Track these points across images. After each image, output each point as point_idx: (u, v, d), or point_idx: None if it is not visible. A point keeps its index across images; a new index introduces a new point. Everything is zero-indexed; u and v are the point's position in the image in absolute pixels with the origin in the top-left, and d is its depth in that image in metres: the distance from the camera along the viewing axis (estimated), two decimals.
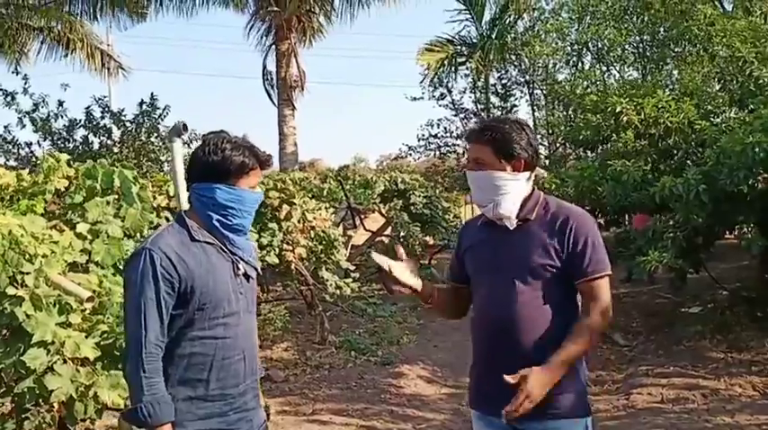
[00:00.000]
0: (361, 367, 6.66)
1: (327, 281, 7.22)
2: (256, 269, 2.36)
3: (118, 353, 3.29)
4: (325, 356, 6.90)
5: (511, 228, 2.31)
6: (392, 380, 6.25)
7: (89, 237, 4.13)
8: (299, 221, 6.74)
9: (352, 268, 7.73)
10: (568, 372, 2.25)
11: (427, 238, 12.45)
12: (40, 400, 3.25)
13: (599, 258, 2.27)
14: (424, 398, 5.84)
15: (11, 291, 3.09)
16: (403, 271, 2.37)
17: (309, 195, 7.40)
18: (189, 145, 14.31)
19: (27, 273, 3.20)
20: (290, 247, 6.63)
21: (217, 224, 2.20)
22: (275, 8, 15.23)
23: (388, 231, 12.50)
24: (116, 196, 4.46)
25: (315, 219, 6.91)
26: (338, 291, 7.31)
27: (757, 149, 5.59)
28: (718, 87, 9.68)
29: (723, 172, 6.03)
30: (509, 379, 2.12)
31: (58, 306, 3.24)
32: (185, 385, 2.14)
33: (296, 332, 7.94)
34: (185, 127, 4.60)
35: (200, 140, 2.30)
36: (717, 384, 5.85)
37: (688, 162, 7.50)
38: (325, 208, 7.49)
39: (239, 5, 16.07)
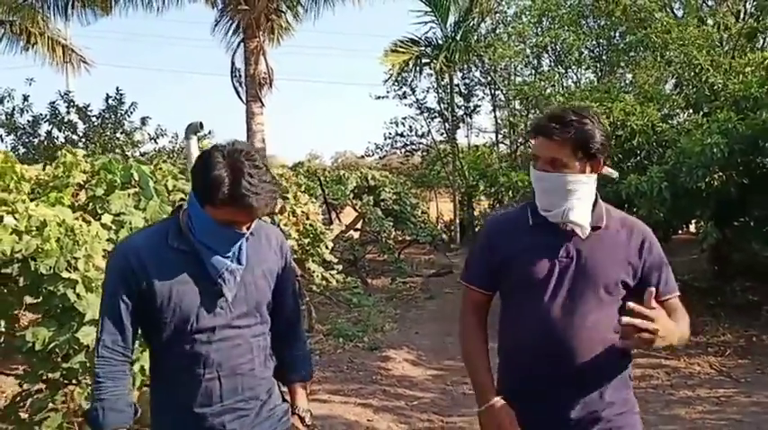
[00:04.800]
0: (350, 352, 7.04)
1: (314, 272, 7.54)
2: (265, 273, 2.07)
3: None
4: (314, 343, 7.23)
5: (583, 237, 2.01)
6: (381, 364, 6.65)
7: (113, 227, 4.41)
8: (290, 215, 7.05)
9: (335, 260, 8.07)
10: (627, 390, 2.11)
11: (397, 233, 12.88)
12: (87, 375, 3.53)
13: (672, 278, 2.09)
14: (412, 379, 6.25)
15: (65, 274, 3.38)
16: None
17: (301, 190, 7.71)
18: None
19: (78, 258, 3.49)
20: None
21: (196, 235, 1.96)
22: (245, 6, 15.36)
23: (359, 225, 12.87)
24: (135, 190, 4.73)
25: (304, 213, 7.24)
26: (324, 283, 7.65)
27: (715, 150, 6.19)
28: (670, 90, 10.33)
29: (683, 170, 6.62)
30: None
31: None
32: (161, 383, 2.07)
33: None
34: (201, 125, 4.95)
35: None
36: (678, 363, 6.48)
37: (646, 162, 8.07)
38: (312, 202, 7.81)
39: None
